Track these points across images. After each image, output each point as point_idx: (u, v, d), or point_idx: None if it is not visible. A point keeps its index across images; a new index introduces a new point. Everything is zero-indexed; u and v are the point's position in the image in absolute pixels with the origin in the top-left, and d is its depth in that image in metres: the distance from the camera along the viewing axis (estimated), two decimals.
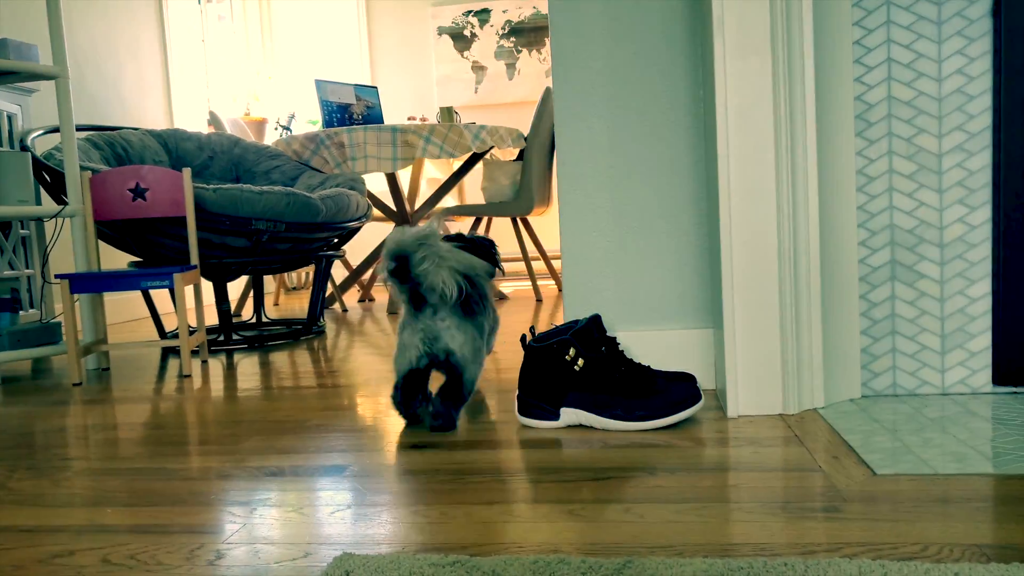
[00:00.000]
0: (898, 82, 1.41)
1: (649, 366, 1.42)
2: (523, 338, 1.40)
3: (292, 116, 4.83)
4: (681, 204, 1.60)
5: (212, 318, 3.77)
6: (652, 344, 1.61)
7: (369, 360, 2.23)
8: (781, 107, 1.34)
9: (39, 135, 2.59)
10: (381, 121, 3.88)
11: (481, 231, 5.17)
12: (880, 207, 1.43)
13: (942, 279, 1.42)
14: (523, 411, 1.40)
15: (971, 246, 1.41)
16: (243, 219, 2.47)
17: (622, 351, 1.39)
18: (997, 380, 1.42)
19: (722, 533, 0.88)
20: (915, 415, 1.31)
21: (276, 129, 4.85)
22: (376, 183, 4.79)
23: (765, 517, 0.92)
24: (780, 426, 1.30)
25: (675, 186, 1.59)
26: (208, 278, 2.64)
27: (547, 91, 3.54)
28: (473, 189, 5.26)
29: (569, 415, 1.36)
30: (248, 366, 2.25)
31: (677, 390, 1.34)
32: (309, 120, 5.27)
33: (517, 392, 1.42)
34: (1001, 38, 1.35)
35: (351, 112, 3.70)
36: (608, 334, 1.61)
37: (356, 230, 3.02)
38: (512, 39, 5.15)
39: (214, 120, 3.96)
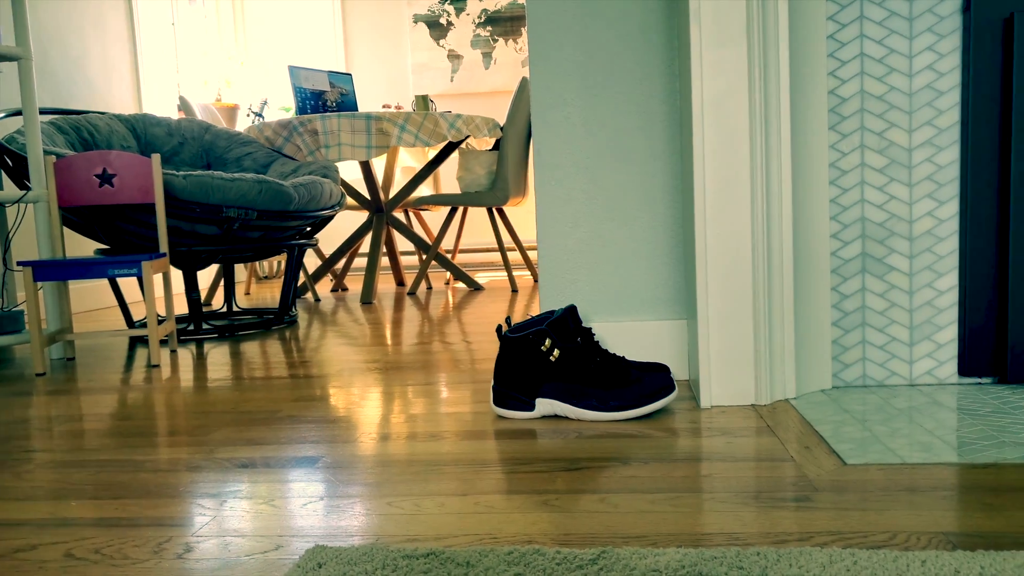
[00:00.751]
0: (870, 77, 1.42)
1: (624, 356, 1.43)
2: (499, 328, 1.39)
3: (264, 102, 4.76)
4: (657, 194, 1.60)
5: (181, 307, 3.72)
6: (627, 334, 1.61)
7: (342, 350, 2.22)
8: (756, 98, 1.34)
9: (1, 118, 2.53)
10: (355, 108, 3.84)
11: (456, 221, 5.15)
12: (852, 200, 1.44)
13: (911, 272, 1.44)
14: (498, 402, 1.39)
15: (939, 240, 1.43)
16: (214, 206, 2.43)
17: (597, 342, 1.39)
18: (963, 371, 1.44)
19: (695, 523, 0.89)
20: (884, 405, 1.33)
21: (248, 115, 4.78)
22: (350, 171, 4.75)
23: (738, 507, 0.93)
24: (752, 416, 1.31)
25: (651, 176, 1.59)
26: (177, 266, 2.60)
27: (523, 81, 3.53)
28: (449, 179, 5.24)
29: (544, 405, 1.36)
30: (218, 356, 2.23)
31: (651, 380, 1.34)
32: (282, 107, 5.20)
33: (493, 383, 1.41)
34: (970, 35, 1.37)
35: (325, 99, 3.66)
36: (584, 325, 1.61)
37: (329, 219, 3.00)
38: (488, 28, 5.12)
39: (184, 105, 3.89)
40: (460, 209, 4.40)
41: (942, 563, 0.74)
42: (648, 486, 1.01)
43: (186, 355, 2.27)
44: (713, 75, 1.34)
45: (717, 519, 0.90)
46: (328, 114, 3.24)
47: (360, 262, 5.36)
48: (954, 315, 1.43)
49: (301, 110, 3.54)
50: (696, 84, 1.34)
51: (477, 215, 5.25)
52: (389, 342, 2.32)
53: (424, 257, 3.80)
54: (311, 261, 5.36)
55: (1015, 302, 1.38)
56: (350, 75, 3.85)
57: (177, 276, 4.47)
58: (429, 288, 4.02)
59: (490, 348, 2.10)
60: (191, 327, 2.68)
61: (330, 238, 5.38)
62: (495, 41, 5.13)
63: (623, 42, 1.57)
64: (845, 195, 1.44)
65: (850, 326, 1.46)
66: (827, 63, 1.42)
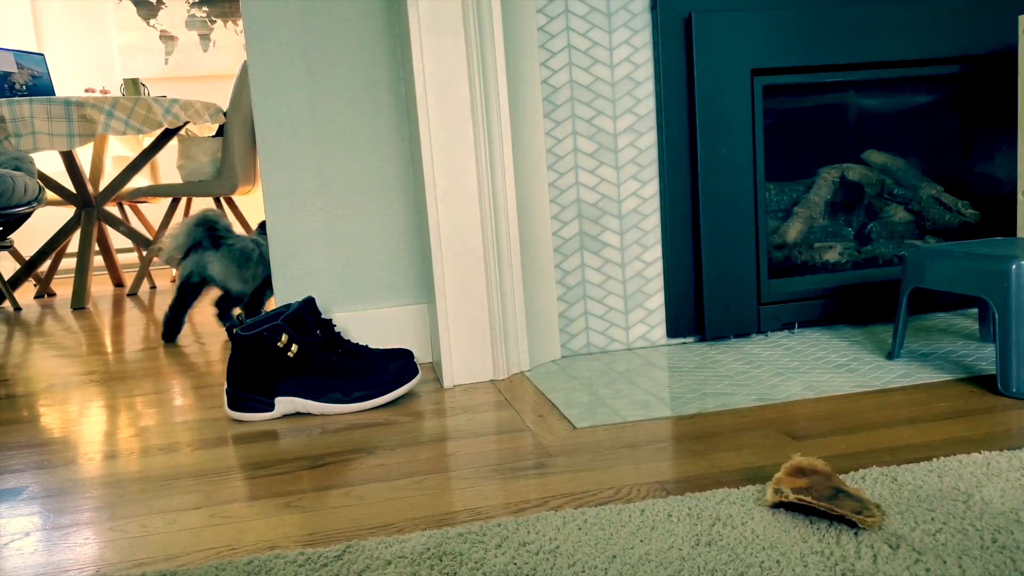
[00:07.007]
0: (578, 67, 1.53)
1: (367, 345, 1.42)
2: (230, 328, 1.32)
3: None
4: (390, 181, 1.60)
5: None
6: (370, 322, 1.60)
7: (52, 363, 1.97)
8: (476, 86, 1.39)
9: None
10: (51, 92, 3.41)
11: (180, 213, 4.79)
12: (568, 183, 1.55)
13: (622, 246, 1.58)
14: (233, 406, 1.32)
15: (644, 216, 1.58)
16: None
17: (339, 333, 1.37)
18: (671, 333, 1.61)
19: (441, 503, 0.91)
20: (607, 370, 1.45)
21: None
22: (50, 163, 4.22)
23: (480, 481, 0.96)
24: (492, 391, 1.37)
25: (382, 164, 1.59)
26: None
27: (245, 64, 3.35)
28: (169, 168, 4.84)
29: (284, 404, 1.31)
30: None
31: (394, 366, 1.35)
32: None
33: (226, 386, 1.33)
34: (658, 31, 1.52)
35: (11, 81, 3.20)
36: (323, 316, 1.57)
37: (26, 216, 2.64)
38: (205, 8, 4.78)
39: None
40: (183, 200, 4.09)
41: (657, 509, 0.83)
42: (394, 473, 1.02)
43: None
44: (435, 63, 1.36)
45: (461, 496, 0.93)
46: (18, 98, 2.84)
47: (69, 263, 4.80)
48: (660, 284, 1.60)
49: None
50: (418, 71, 1.36)
51: (204, 206, 4.91)
52: (109, 350, 2.11)
53: (144, 254, 3.48)
54: (7, 265, 4.70)
55: (708, 270, 1.58)
56: (43, 55, 3.41)
57: None
58: (153, 288, 3.70)
59: (225, 349, 1.98)
60: None
61: (29, 238, 4.75)
62: (213, 22, 4.80)
63: (343, 25, 1.54)
64: (561, 179, 1.54)
65: (573, 299, 1.58)
66: (540, 54, 1.51)
